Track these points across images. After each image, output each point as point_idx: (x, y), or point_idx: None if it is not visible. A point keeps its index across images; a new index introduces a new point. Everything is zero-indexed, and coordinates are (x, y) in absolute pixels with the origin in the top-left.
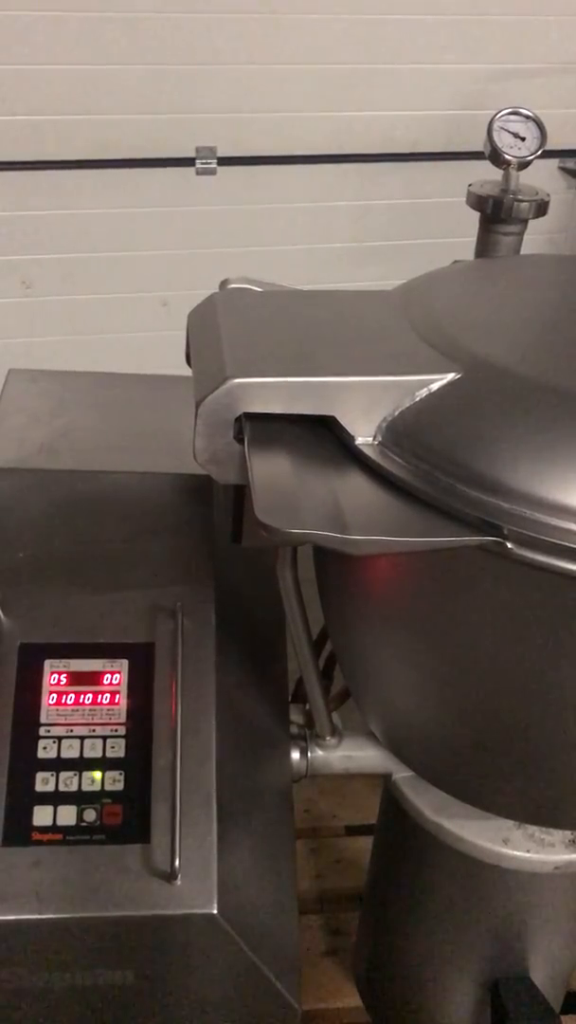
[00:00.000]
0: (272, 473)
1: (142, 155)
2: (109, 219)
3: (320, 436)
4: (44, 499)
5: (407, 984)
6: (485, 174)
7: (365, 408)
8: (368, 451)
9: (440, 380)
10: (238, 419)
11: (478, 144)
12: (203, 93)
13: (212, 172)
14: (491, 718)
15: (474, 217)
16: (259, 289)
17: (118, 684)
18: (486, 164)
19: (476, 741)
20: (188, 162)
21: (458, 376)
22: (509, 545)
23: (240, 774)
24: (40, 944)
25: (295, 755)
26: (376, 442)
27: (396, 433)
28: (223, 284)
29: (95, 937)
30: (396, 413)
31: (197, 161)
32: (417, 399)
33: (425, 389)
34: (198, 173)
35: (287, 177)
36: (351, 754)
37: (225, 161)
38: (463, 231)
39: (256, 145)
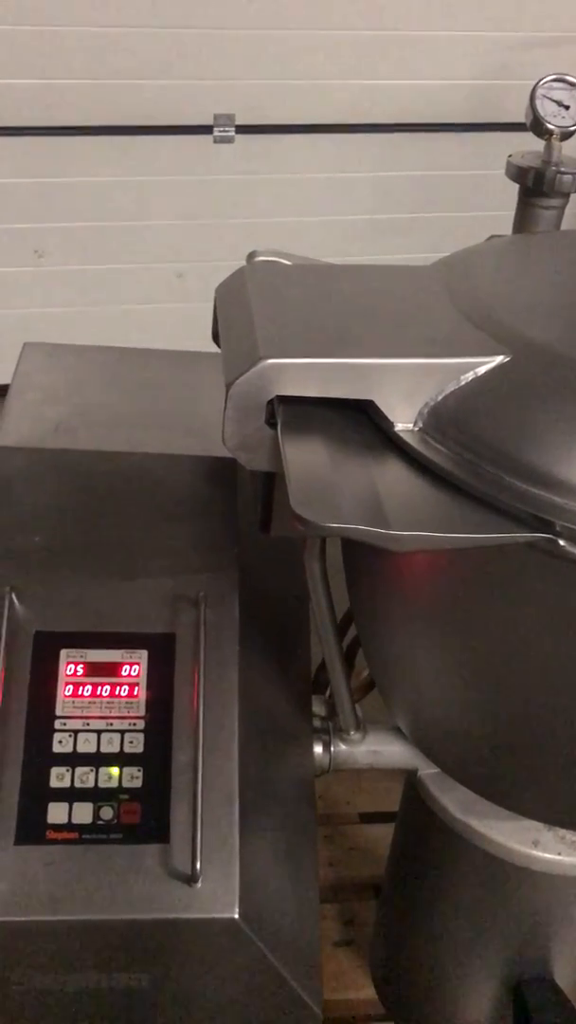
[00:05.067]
0: (308, 461)
1: (159, 122)
2: (124, 187)
3: (356, 422)
4: (60, 480)
5: (427, 982)
6: (509, 147)
7: (406, 392)
8: (408, 438)
9: (488, 364)
10: (270, 403)
11: (503, 115)
12: (222, 59)
13: (230, 140)
14: (529, 718)
15: (499, 190)
16: (288, 262)
17: (137, 676)
18: (511, 136)
19: (508, 741)
20: (206, 130)
21: (507, 360)
22: (562, 543)
23: (262, 771)
24: (53, 946)
25: (318, 749)
26: (417, 429)
27: (439, 420)
28: (251, 256)
29: (110, 940)
30: (439, 398)
31: (215, 129)
32: (462, 383)
33: (471, 373)
34: (216, 141)
35: (307, 146)
36: (376, 749)
37: (244, 129)
38: (488, 204)
39: (276, 114)
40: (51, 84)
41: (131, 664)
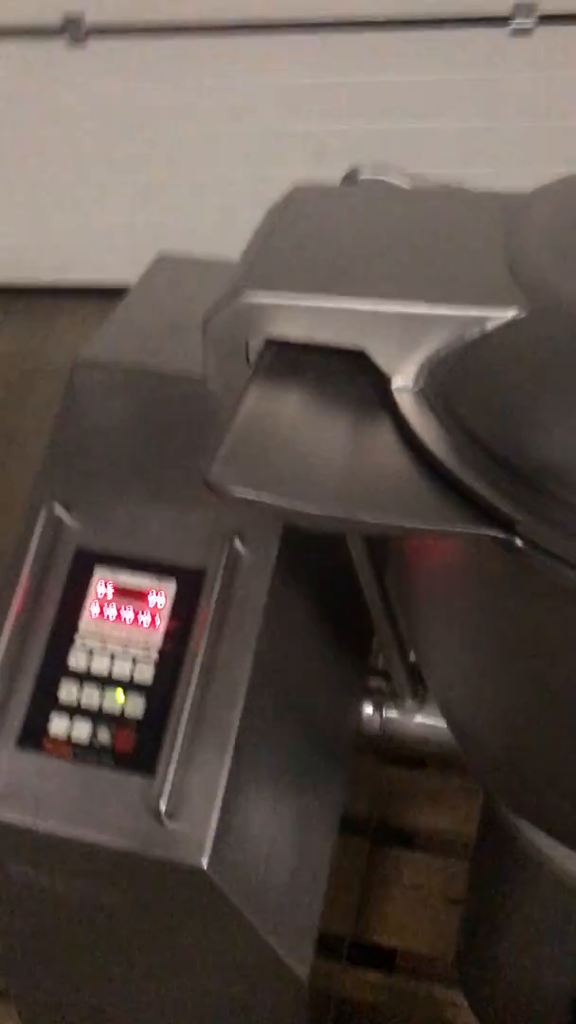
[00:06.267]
0: (265, 414)
1: (448, 14)
2: (407, 87)
3: (358, 377)
4: (135, 400)
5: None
6: None
7: (401, 345)
8: (403, 400)
9: (495, 318)
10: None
11: None
12: None
13: (528, 33)
14: (529, 719)
15: None
16: (400, 184)
17: (161, 607)
18: None
19: (523, 744)
20: (501, 22)
21: (521, 316)
22: (518, 543)
23: (278, 727)
24: (39, 850)
25: (367, 710)
26: (416, 389)
27: (436, 381)
28: (352, 174)
29: (87, 858)
30: (441, 355)
31: (512, 20)
32: (467, 340)
33: (477, 328)
34: (512, 35)
35: None
36: (432, 723)
37: (548, 20)
38: None
39: None
40: None
41: (158, 592)
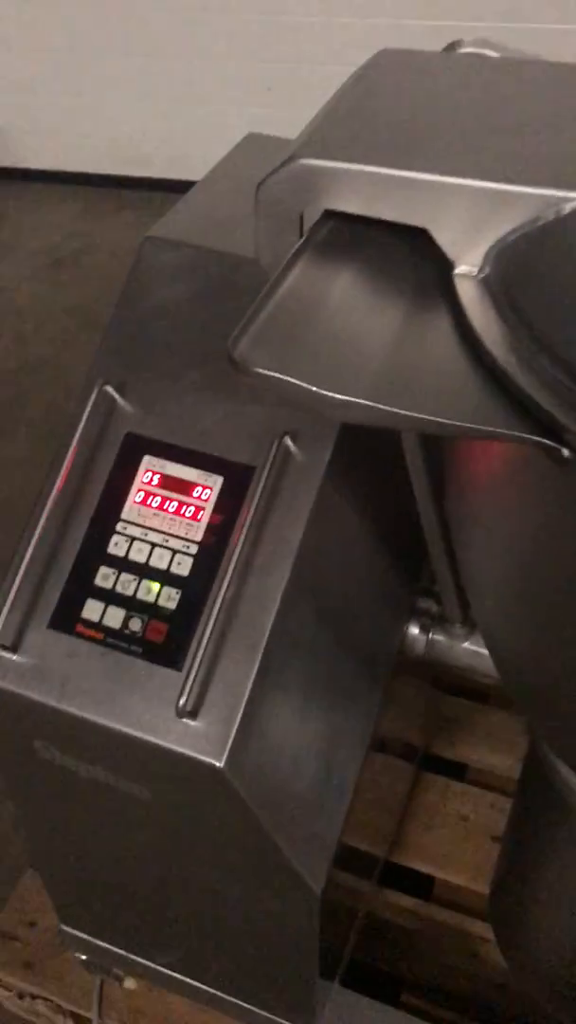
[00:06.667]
0: (309, 292)
1: None
2: None
3: (416, 262)
4: (202, 284)
5: (533, 923)
6: None
7: (470, 225)
8: (466, 289)
9: (572, 201)
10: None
11: None
12: None
13: None
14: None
15: None
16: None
17: (206, 500)
18: None
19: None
20: None
21: None
22: (566, 453)
23: (312, 635)
24: (64, 732)
25: (414, 630)
26: (480, 276)
27: (504, 269)
28: (452, 45)
29: (109, 745)
30: (511, 240)
31: None
32: (542, 224)
33: (553, 211)
34: None
35: None
36: (480, 650)
37: None
38: None
39: None
40: None
41: (204, 487)
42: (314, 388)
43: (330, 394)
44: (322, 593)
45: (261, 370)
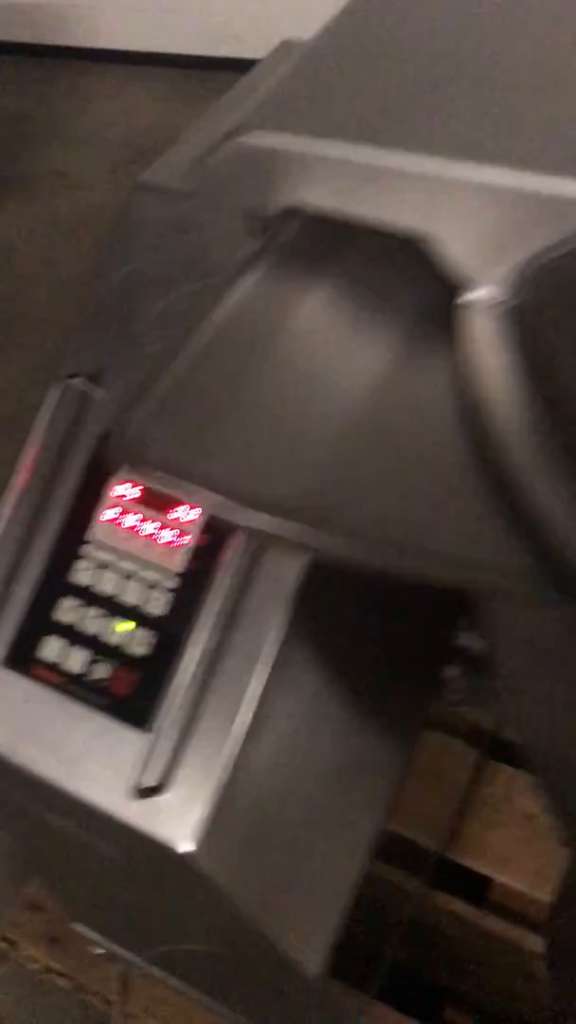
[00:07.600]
0: (250, 329)
1: None
2: None
3: (407, 288)
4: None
5: None
6: None
7: (484, 234)
8: (477, 325)
9: None
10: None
11: None
12: None
13: None
14: None
15: None
16: None
17: (192, 521)
18: None
19: None
20: None
21: None
22: None
23: (315, 693)
24: (19, 780)
25: (452, 671)
26: (503, 306)
27: (538, 295)
28: None
29: (68, 803)
30: (549, 257)
31: None
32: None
33: None
34: None
35: None
36: None
37: None
38: None
39: None
40: None
41: (191, 505)
42: (222, 499)
43: (250, 523)
44: (330, 636)
45: (151, 469)
